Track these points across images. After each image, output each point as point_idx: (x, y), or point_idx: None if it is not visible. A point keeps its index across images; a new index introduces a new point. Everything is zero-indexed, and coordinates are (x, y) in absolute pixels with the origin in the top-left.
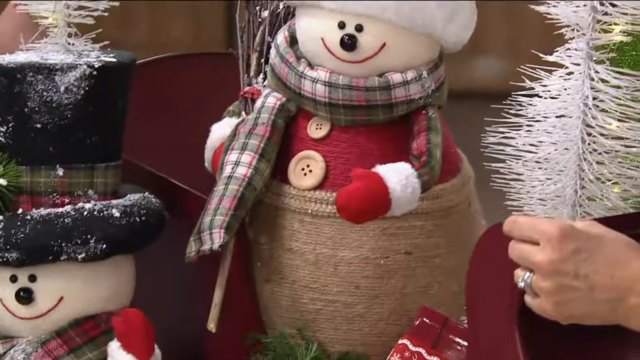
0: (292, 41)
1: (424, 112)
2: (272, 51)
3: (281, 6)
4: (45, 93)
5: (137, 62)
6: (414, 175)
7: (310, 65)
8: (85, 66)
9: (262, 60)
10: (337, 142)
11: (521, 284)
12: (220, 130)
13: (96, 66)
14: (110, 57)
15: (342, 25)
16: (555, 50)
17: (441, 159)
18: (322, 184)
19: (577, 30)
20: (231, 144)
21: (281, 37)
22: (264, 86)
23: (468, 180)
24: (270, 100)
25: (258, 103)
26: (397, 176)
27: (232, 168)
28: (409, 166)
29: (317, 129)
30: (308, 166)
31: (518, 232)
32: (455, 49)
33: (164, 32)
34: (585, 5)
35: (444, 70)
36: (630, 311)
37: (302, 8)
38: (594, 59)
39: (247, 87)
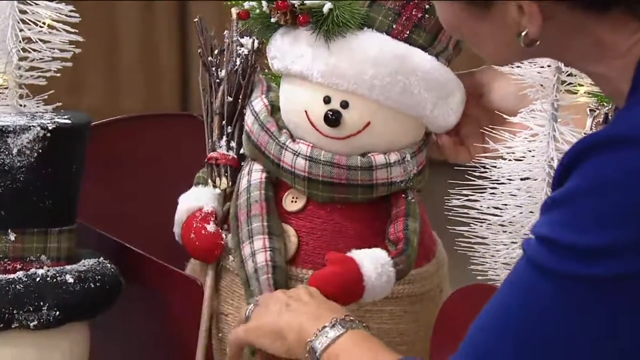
0: (274, 110)
1: (403, 195)
2: (249, 118)
3: (238, 62)
4: None
5: (92, 123)
6: (389, 263)
7: (292, 137)
8: (38, 128)
9: (224, 122)
10: (312, 217)
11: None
12: (187, 202)
13: (50, 128)
14: (65, 118)
15: (327, 100)
16: (520, 111)
17: (417, 246)
18: (293, 259)
19: (542, 91)
20: (239, 237)
21: (260, 104)
22: (229, 149)
23: (442, 265)
24: (255, 176)
25: (244, 182)
26: (373, 264)
27: (252, 261)
28: (385, 254)
29: (292, 201)
30: None
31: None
32: (440, 131)
33: (117, 97)
34: (549, 66)
35: (426, 154)
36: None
37: (289, 77)
38: (559, 120)
39: (212, 153)
